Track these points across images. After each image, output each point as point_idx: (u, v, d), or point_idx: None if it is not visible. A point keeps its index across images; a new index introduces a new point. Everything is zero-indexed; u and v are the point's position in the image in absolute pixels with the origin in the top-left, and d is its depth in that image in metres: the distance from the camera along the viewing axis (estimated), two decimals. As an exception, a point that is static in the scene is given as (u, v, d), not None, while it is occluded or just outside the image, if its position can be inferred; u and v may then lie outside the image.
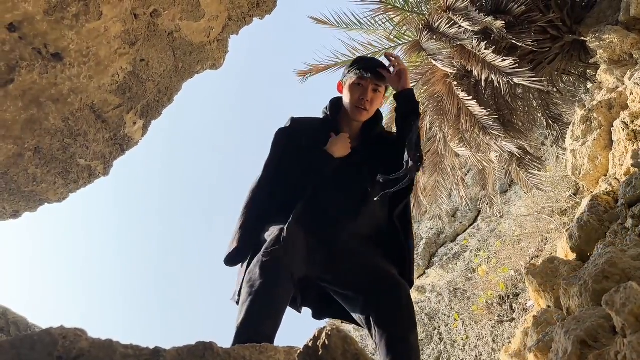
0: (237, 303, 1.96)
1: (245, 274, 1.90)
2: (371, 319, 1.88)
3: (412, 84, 5.89)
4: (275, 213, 2.06)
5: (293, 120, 2.30)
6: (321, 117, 2.33)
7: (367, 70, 2.19)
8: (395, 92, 2.24)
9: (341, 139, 2.15)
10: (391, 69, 2.24)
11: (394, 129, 2.34)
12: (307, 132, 2.24)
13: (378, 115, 2.32)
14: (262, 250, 1.87)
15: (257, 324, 1.68)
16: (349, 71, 2.27)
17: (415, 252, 8.90)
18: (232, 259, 2.07)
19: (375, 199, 2.10)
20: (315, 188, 2.07)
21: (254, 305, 1.71)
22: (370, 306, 1.91)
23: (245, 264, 2.03)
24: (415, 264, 2.30)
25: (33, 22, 2.27)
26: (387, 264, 2.05)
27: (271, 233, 1.94)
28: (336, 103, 2.31)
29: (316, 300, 2.16)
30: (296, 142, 2.20)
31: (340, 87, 2.32)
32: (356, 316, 2.02)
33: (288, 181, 2.14)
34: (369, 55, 5.63)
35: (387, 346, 1.78)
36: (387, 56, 2.29)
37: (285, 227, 1.89)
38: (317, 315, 2.22)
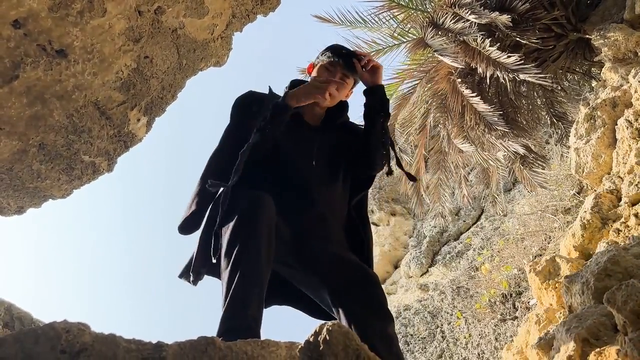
0: (189, 281, 1.91)
1: (214, 244, 1.80)
2: (341, 312, 1.81)
3: (416, 82, 5.90)
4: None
5: (250, 91, 2.23)
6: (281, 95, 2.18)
7: (340, 56, 2.16)
8: (365, 87, 2.17)
9: (308, 88, 2.00)
10: (363, 64, 2.15)
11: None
12: (261, 103, 2.12)
13: (344, 104, 2.28)
14: (239, 218, 1.75)
15: (244, 307, 1.60)
16: (322, 54, 2.23)
17: (419, 250, 8.90)
18: (187, 226, 1.98)
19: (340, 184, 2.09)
20: (277, 162, 2.00)
21: (238, 285, 1.63)
22: (340, 300, 1.84)
23: (201, 232, 1.93)
24: (373, 255, 2.22)
25: (37, 18, 2.28)
26: (351, 253, 2.00)
27: (243, 198, 1.82)
28: (298, 84, 2.20)
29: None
30: (250, 110, 2.10)
31: (310, 69, 2.28)
32: (324, 303, 1.93)
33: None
34: (371, 53, 5.65)
35: (368, 342, 1.74)
36: (359, 54, 2.22)
37: (256, 193, 1.82)
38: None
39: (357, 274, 1.89)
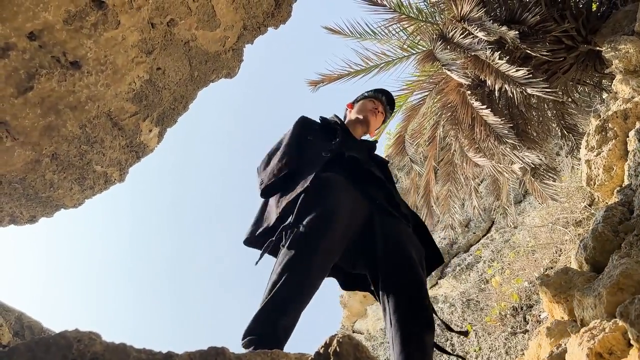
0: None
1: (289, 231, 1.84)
2: (388, 307, 1.82)
3: (426, 93, 5.90)
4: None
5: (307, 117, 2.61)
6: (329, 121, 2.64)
7: (383, 93, 2.81)
8: None
9: None
10: None
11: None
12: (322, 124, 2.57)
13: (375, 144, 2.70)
14: (307, 225, 1.79)
15: (280, 315, 1.60)
16: (365, 92, 2.81)
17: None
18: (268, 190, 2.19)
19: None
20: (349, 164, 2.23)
21: (279, 294, 1.63)
22: (387, 293, 1.86)
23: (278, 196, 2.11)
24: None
25: (52, 30, 2.32)
26: (417, 249, 2.03)
27: (314, 206, 1.88)
28: (338, 118, 2.68)
29: (343, 271, 2.23)
30: (313, 129, 2.48)
31: (350, 107, 2.82)
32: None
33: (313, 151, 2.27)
34: (381, 64, 5.75)
35: (402, 343, 1.72)
36: None
37: (342, 196, 1.96)
38: (346, 286, 2.32)
39: (412, 272, 1.91)
